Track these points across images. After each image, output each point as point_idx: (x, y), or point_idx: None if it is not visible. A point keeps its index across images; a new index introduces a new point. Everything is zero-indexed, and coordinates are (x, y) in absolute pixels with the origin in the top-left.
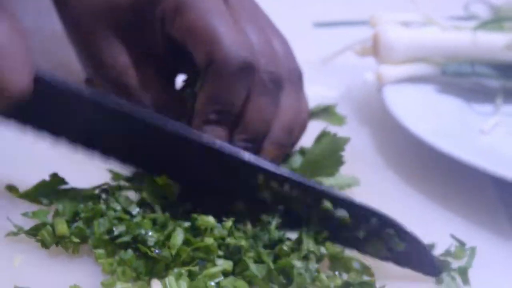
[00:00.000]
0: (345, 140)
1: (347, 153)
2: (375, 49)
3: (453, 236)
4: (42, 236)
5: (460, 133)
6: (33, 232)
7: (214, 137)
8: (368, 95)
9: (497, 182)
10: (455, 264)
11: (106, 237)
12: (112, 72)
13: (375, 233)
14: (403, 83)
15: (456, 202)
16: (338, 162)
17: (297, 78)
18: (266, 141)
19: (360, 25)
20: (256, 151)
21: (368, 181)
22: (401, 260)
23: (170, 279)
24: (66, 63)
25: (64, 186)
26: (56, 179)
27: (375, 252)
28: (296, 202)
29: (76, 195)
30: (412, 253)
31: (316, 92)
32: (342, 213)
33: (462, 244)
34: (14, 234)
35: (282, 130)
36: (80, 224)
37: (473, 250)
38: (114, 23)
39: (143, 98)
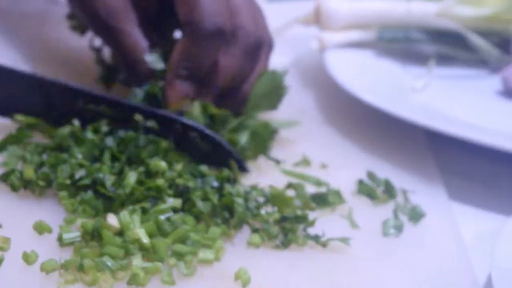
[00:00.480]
0: (284, 73)
1: (292, 112)
2: (317, 18)
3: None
4: (11, 181)
5: (393, 91)
6: (3, 177)
7: (182, 93)
8: (314, 61)
9: (429, 135)
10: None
11: (68, 181)
12: (101, 12)
13: (182, 137)
14: (343, 49)
15: (390, 152)
16: (281, 94)
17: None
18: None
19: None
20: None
21: (309, 135)
22: (212, 161)
23: (124, 214)
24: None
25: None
26: (22, 132)
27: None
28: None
29: (41, 146)
30: (219, 154)
31: (271, 60)
32: (151, 123)
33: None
34: None
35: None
36: (45, 169)
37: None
38: None
39: (127, 44)
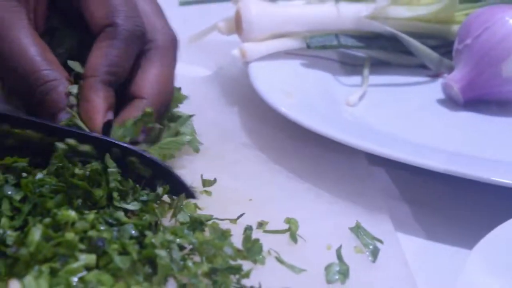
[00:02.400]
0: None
1: (215, 134)
2: (237, 25)
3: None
4: None
5: (326, 107)
6: None
7: (104, 98)
8: (237, 73)
9: (368, 154)
10: None
11: None
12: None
13: (120, 161)
14: (269, 59)
15: (327, 176)
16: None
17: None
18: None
19: (225, 1)
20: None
21: (234, 160)
22: (149, 185)
23: (28, 279)
24: None
25: None
26: None
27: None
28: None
29: None
30: (161, 178)
31: (186, 71)
32: (85, 148)
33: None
34: None
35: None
36: None
37: None
38: None
39: (49, 73)
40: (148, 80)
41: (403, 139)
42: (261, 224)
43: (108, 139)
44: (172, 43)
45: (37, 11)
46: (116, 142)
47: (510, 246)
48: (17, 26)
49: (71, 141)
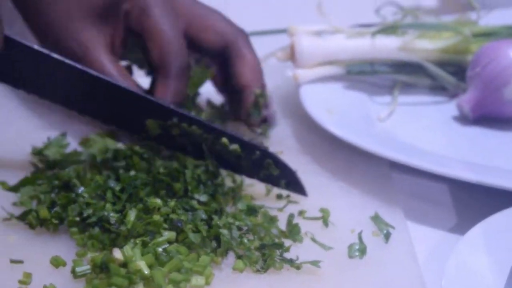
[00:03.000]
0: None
1: (272, 138)
2: (292, 55)
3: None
4: (29, 220)
5: (360, 122)
6: (22, 217)
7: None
8: (290, 90)
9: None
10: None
11: (78, 218)
12: (95, 66)
13: (258, 162)
14: (316, 83)
15: (357, 177)
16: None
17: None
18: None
19: (282, 33)
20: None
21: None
22: (275, 182)
23: (127, 248)
24: None
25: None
26: (35, 175)
27: (258, 175)
28: (202, 139)
29: (53, 185)
30: (284, 177)
31: None
32: (234, 147)
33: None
34: (8, 219)
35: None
36: (57, 209)
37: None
38: (88, 16)
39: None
40: (244, 70)
41: (421, 149)
42: (301, 212)
43: (254, 142)
44: (245, 36)
45: (115, 38)
46: (258, 145)
47: (500, 234)
48: (97, 49)
49: (224, 140)
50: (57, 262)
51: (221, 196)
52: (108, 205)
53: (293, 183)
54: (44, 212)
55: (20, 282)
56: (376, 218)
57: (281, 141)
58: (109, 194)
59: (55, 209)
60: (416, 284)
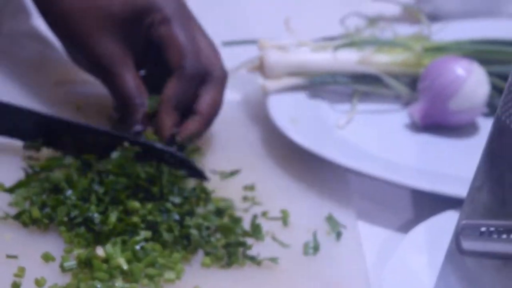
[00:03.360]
0: None
1: (236, 145)
2: (261, 67)
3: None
4: (23, 220)
5: (320, 129)
6: (17, 216)
7: (172, 118)
8: (259, 101)
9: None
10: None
11: (66, 219)
12: (103, 60)
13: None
14: (282, 93)
15: (315, 181)
16: None
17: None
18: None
19: (253, 44)
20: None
21: (248, 166)
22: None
23: (108, 246)
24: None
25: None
26: (29, 178)
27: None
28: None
29: (44, 188)
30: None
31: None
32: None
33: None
34: (4, 218)
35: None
36: (48, 210)
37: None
38: (114, 28)
39: (128, 89)
40: (205, 103)
41: (373, 155)
42: (264, 213)
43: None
44: (224, 78)
45: (137, 50)
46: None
47: (442, 234)
48: (121, 63)
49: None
50: (47, 258)
51: (193, 198)
52: (93, 207)
53: (193, 170)
54: (36, 213)
55: (15, 275)
56: (330, 219)
57: (249, 146)
58: (93, 197)
59: (46, 210)
60: (361, 277)
